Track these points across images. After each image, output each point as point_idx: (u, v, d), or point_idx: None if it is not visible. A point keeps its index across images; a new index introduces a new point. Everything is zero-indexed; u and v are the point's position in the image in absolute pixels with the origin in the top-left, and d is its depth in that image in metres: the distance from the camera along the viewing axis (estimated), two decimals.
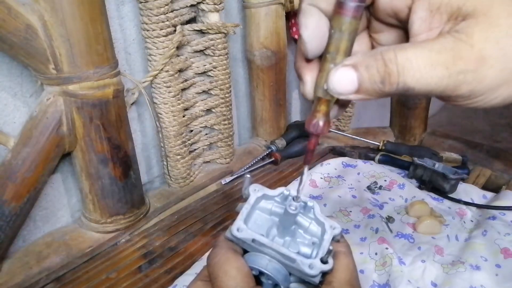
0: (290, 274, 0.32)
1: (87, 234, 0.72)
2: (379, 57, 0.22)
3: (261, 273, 0.31)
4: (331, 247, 0.31)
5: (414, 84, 0.22)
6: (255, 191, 0.34)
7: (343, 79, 0.23)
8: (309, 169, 0.89)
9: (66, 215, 0.76)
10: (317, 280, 0.30)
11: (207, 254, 0.65)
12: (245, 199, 0.34)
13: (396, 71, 0.22)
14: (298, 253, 0.32)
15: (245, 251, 0.33)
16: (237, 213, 0.33)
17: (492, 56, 0.21)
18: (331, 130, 1.02)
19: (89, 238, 0.71)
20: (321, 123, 0.27)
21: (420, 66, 0.21)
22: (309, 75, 0.27)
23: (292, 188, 0.33)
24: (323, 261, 0.30)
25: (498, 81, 0.22)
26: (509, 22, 0.21)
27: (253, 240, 0.31)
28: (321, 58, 0.26)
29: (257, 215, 0.34)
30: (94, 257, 0.68)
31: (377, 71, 0.22)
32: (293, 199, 0.32)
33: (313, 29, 0.25)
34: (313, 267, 0.29)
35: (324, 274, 0.31)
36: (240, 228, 0.31)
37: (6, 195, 0.61)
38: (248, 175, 0.35)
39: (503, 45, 0.21)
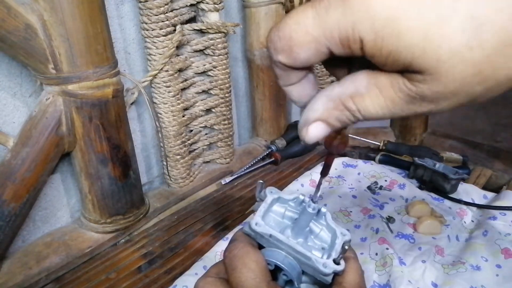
0: (303, 272, 0.33)
1: (87, 234, 0.72)
2: (342, 107, 0.25)
3: (276, 267, 0.32)
4: (342, 251, 0.32)
5: (376, 117, 0.25)
6: (271, 193, 0.35)
7: (317, 133, 0.27)
8: (309, 169, 0.89)
9: (65, 215, 0.76)
10: (329, 279, 0.31)
11: (207, 254, 0.65)
12: (259, 201, 0.35)
13: (359, 113, 0.25)
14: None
15: (260, 247, 0.34)
16: (254, 212, 0.34)
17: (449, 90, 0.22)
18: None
19: (89, 238, 0.71)
20: (340, 144, 0.30)
21: (377, 111, 0.24)
22: (296, 94, 0.29)
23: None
24: (336, 262, 0.31)
25: (452, 103, 0.23)
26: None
27: (270, 236, 0.32)
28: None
29: (271, 217, 0.35)
30: (94, 257, 0.67)
31: (346, 117, 0.26)
32: (312, 200, 0.33)
33: (297, 96, 0.28)
34: (327, 266, 0.31)
35: (335, 275, 0.32)
36: (259, 223, 0.32)
37: (5, 195, 0.61)
38: (261, 181, 0.36)
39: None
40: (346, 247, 0.33)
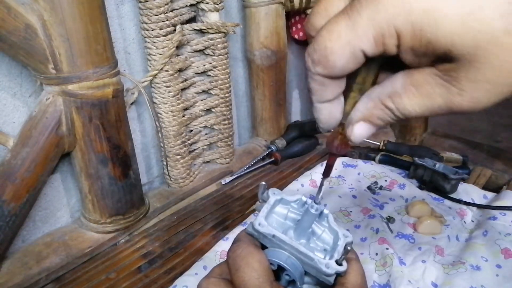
0: (305, 273, 0.33)
1: (87, 234, 0.72)
2: (382, 106, 0.26)
3: (279, 267, 0.32)
4: (344, 252, 0.33)
5: (415, 115, 0.25)
6: (274, 194, 0.35)
7: (362, 132, 0.28)
8: (309, 169, 0.89)
9: (65, 215, 0.76)
10: (332, 280, 0.32)
11: (207, 254, 0.65)
12: (262, 202, 0.35)
13: (398, 112, 0.25)
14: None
15: (262, 248, 0.34)
16: (256, 212, 0.35)
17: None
18: (331, 130, 1.02)
19: (89, 238, 0.71)
20: (342, 145, 0.30)
21: (415, 110, 0.25)
22: (326, 114, 0.29)
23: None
24: (338, 263, 0.31)
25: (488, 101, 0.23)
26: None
27: (273, 236, 0.32)
28: (345, 90, 0.28)
29: (273, 218, 0.35)
30: (94, 257, 0.67)
31: (387, 116, 0.26)
32: (314, 202, 0.34)
33: (327, 116, 0.29)
34: (329, 267, 0.31)
35: (337, 276, 0.32)
36: (262, 224, 0.32)
37: (5, 195, 0.61)
38: (263, 182, 0.36)
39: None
40: (349, 248, 0.33)
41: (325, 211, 0.35)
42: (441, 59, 0.22)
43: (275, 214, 0.35)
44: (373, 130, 0.28)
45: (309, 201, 0.34)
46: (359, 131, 0.28)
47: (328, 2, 0.26)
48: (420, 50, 0.22)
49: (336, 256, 0.32)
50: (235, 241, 0.34)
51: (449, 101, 0.23)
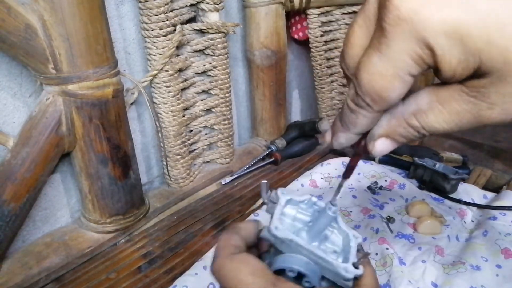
0: (322, 277, 0.32)
1: (87, 234, 0.72)
2: (405, 124, 0.26)
3: (299, 274, 0.31)
4: (361, 255, 0.32)
5: (442, 132, 0.26)
6: (283, 194, 0.34)
7: (384, 148, 0.28)
8: (309, 169, 0.89)
9: (65, 215, 0.76)
10: (351, 284, 0.31)
11: (207, 254, 0.65)
12: (266, 203, 0.34)
13: (423, 130, 0.26)
14: None
15: (275, 252, 0.32)
16: (257, 213, 0.34)
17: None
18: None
19: (89, 238, 0.71)
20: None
21: (443, 126, 0.25)
22: (344, 137, 0.30)
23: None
24: (355, 266, 0.31)
25: None
26: None
27: (291, 241, 0.31)
28: None
29: (284, 220, 0.34)
30: (94, 257, 0.67)
31: (411, 134, 0.27)
32: (331, 203, 0.32)
33: (351, 141, 0.29)
34: (348, 271, 0.30)
35: (354, 279, 0.31)
36: (278, 228, 0.31)
37: (5, 195, 0.61)
38: (265, 180, 0.35)
39: None
40: (359, 248, 0.32)
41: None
42: (474, 72, 0.22)
43: (284, 216, 0.34)
44: (395, 146, 0.28)
45: (319, 201, 0.34)
46: (380, 147, 0.28)
47: (351, 40, 0.26)
48: (450, 71, 0.22)
49: (352, 259, 0.31)
50: (213, 258, 0.32)
51: (479, 116, 0.23)
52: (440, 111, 0.24)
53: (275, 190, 0.35)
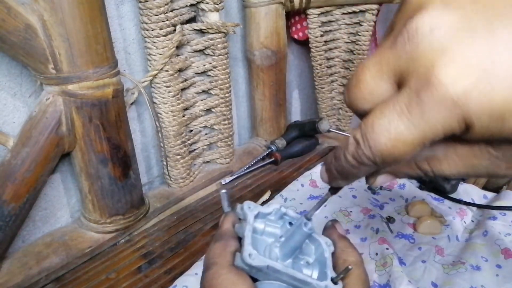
0: None
1: (87, 234, 0.72)
2: (415, 167, 0.26)
3: None
4: (343, 272, 0.30)
5: (449, 177, 0.26)
6: (249, 209, 0.32)
7: (385, 181, 0.29)
8: (309, 169, 0.89)
9: (65, 215, 0.76)
10: None
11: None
12: (226, 214, 0.33)
13: (432, 173, 0.26)
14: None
15: (253, 279, 0.30)
16: (236, 233, 0.32)
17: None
18: (331, 130, 1.02)
19: (89, 238, 0.71)
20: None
21: (453, 174, 0.25)
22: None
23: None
24: (334, 282, 0.30)
25: None
26: None
27: (268, 267, 0.29)
28: None
29: (255, 240, 0.32)
30: (94, 257, 0.67)
31: (416, 174, 0.27)
32: (307, 219, 0.31)
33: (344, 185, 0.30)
34: None
35: None
36: (252, 255, 0.28)
37: (5, 195, 0.61)
38: (224, 190, 0.34)
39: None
40: (350, 267, 0.30)
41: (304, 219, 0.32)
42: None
43: (255, 233, 0.32)
44: (394, 179, 0.28)
45: (290, 212, 0.32)
46: (381, 180, 0.28)
47: (359, 85, 0.24)
48: (487, 138, 0.22)
49: (330, 273, 0.30)
50: (209, 264, 0.30)
51: (494, 172, 0.24)
52: (456, 163, 0.24)
53: (240, 204, 0.33)
